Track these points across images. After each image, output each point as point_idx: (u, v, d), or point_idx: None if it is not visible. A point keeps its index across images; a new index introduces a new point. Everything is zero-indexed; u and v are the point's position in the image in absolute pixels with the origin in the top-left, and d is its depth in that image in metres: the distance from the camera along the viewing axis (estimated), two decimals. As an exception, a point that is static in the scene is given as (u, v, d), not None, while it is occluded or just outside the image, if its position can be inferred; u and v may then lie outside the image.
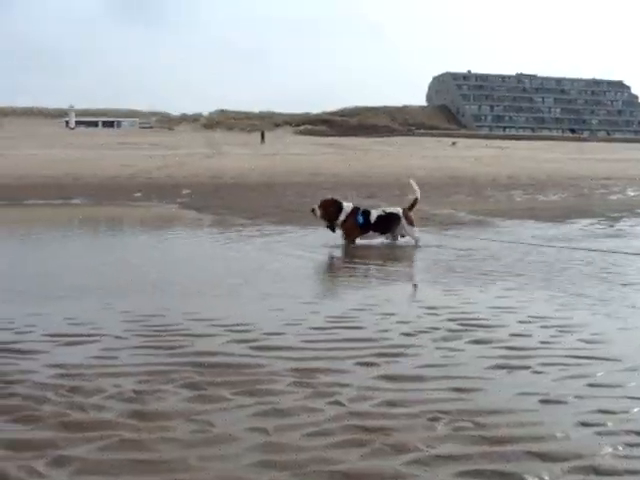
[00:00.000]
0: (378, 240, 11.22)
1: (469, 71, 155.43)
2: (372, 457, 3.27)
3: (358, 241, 10.97)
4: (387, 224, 11.06)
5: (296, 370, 4.52)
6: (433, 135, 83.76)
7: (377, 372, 4.52)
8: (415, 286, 7.90)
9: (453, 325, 5.79)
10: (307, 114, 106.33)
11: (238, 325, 5.69)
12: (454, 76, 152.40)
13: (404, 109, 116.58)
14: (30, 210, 20.25)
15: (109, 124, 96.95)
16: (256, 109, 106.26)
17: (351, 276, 8.29)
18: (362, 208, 11.09)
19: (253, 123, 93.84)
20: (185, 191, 25.15)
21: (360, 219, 10.84)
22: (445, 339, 5.36)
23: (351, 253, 10.15)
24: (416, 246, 10.89)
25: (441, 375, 4.46)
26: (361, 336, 5.41)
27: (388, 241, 11.20)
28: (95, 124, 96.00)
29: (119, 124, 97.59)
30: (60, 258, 10.11)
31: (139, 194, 24.08)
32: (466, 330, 5.63)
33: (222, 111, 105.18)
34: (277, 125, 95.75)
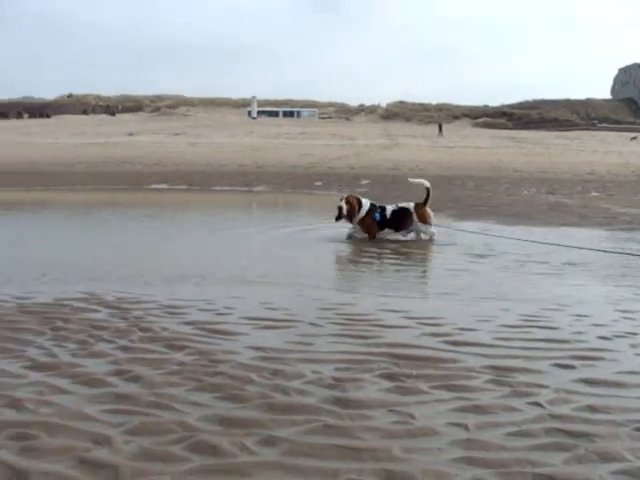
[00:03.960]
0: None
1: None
2: (577, 463, 3.20)
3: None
4: (401, 220, 10.88)
5: (492, 367, 4.49)
6: (617, 130, 79.93)
7: (575, 375, 4.41)
8: (608, 288, 7.60)
9: (652, 331, 5.53)
10: (486, 107, 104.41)
11: (429, 318, 5.72)
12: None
13: (587, 102, 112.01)
14: (219, 196, 21.10)
15: (289, 114, 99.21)
16: (434, 101, 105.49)
17: (539, 274, 8.08)
18: (378, 205, 11.02)
19: (431, 115, 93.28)
20: (364, 181, 25.40)
21: (377, 216, 10.82)
22: (645, 346, 5.14)
23: (540, 255, 9.86)
24: (431, 241, 10.70)
25: (643, 383, 4.29)
26: (556, 337, 5.28)
27: (406, 237, 10.96)
28: (276, 114, 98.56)
29: (299, 114, 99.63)
30: (241, 245, 10.49)
31: (319, 183, 24.54)
32: (667, 337, 5.37)
33: (400, 102, 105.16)
34: (455, 117, 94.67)
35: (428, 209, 10.95)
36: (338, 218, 10.95)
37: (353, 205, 10.81)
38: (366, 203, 10.92)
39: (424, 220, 10.86)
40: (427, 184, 11.06)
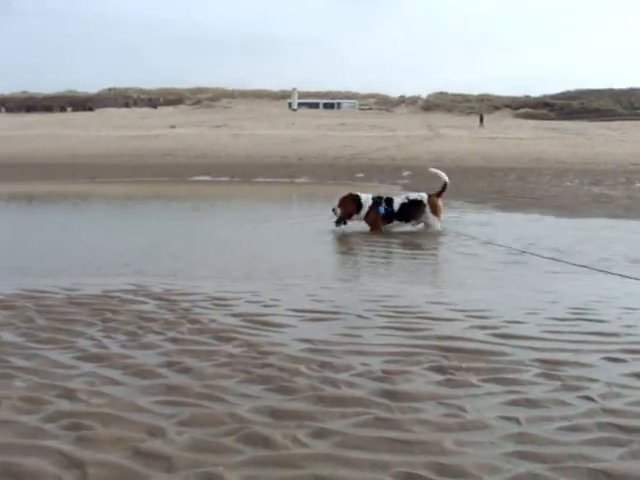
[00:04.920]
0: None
1: None
2: (631, 458, 3.15)
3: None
4: (411, 211, 10.88)
5: (541, 361, 4.44)
6: (662, 119, 78.30)
7: (626, 369, 4.34)
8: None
9: None
10: (527, 97, 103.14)
11: (477, 311, 5.68)
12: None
13: (630, 92, 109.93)
14: (262, 187, 21.21)
15: (330, 105, 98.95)
16: (475, 92, 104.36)
17: (587, 267, 7.98)
18: (385, 197, 11.06)
19: (472, 106, 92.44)
20: (405, 172, 25.34)
21: (382, 210, 10.84)
22: (699, 340, 5.04)
23: (584, 247, 9.71)
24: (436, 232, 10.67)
25: (699, 380, 4.20)
26: (605, 330, 5.21)
27: (415, 228, 10.97)
28: (316, 105, 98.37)
29: (339, 105, 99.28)
30: (286, 237, 10.52)
31: (361, 175, 24.53)
32: None
33: (441, 93, 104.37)
34: (496, 108, 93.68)
35: (440, 201, 10.97)
36: (338, 222, 10.96)
37: (346, 206, 10.86)
38: (367, 199, 10.93)
39: (435, 212, 10.85)
40: (445, 178, 11.11)
